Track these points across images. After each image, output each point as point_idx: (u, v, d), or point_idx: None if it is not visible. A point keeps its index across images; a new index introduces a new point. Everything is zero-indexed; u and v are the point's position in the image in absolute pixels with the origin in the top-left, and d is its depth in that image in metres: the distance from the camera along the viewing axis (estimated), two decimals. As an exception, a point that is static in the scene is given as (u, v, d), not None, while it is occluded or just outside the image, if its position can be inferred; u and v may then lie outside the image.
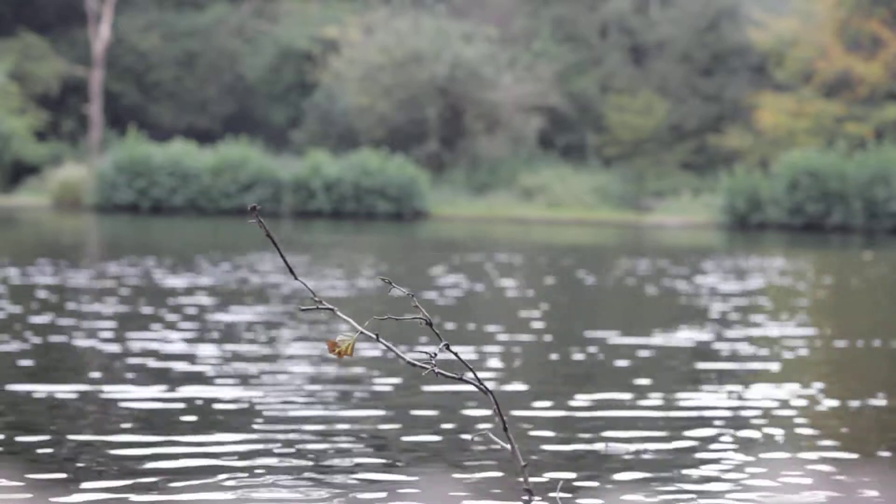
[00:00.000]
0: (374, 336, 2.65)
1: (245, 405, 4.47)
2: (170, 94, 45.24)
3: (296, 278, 2.68)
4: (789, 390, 5.18)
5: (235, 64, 45.51)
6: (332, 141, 41.59)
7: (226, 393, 4.73)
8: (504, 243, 21.37)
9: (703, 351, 6.47)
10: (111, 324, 7.03)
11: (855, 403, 4.85)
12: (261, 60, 44.97)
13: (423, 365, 2.66)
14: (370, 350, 6.03)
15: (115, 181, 34.62)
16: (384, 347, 2.68)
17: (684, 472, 3.53)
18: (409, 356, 2.93)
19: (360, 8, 45.82)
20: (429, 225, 31.11)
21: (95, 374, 5.14)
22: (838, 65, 40.99)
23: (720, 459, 3.71)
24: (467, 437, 3.92)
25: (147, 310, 7.87)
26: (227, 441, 3.81)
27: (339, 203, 34.91)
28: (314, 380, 5.12)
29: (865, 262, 17.70)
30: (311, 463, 3.54)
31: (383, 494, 3.19)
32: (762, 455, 3.78)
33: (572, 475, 3.43)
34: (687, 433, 4.11)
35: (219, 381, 5.03)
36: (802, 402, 4.86)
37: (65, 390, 4.69)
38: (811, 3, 42.56)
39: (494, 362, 5.80)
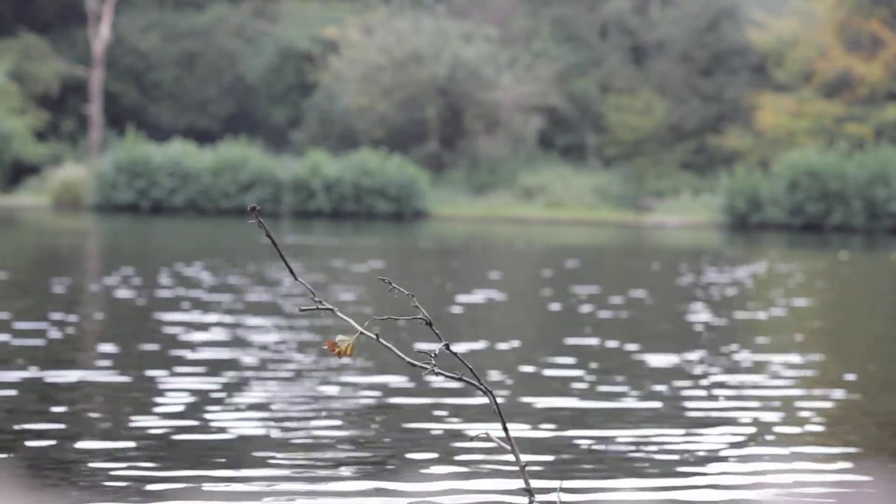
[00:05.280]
0: (373, 336, 2.64)
1: (239, 401, 4.47)
2: (170, 94, 45.22)
3: (296, 278, 2.68)
4: (789, 395, 5.18)
5: (235, 64, 45.48)
6: (331, 141, 41.55)
7: (227, 388, 4.73)
8: (507, 244, 21.36)
9: (702, 355, 6.47)
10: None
11: (850, 408, 4.85)
12: (261, 60, 44.94)
13: (423, 365, 2.65)
14: (369, 350, 6.03)
15: (115, 181, 34.58)
16: (383, 346, 2.68)
17: (684, 473, 3.53)
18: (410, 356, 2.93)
19: (360, 8, 45.79)
20: (429, 225, 31.09)
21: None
22: (838, 65, 40.97)
23: (720, 461, 3.71)
24: (467, 437, 3.92)
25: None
26: (220, 439, 3.81)
27: (339, 203, 34.88)
28: (312, 378, 5.12)
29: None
30: (310, 463, 3.53)
31: (382, 494, 3.19)
32: (762, 457, 3.78)
33: (572, 475, 3.43)
34: (687, 435, 4.11)
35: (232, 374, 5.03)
36: (802, 407, 4.86)
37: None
38: (811, 3, 42.52)
39: (494, 363, 5.79)
